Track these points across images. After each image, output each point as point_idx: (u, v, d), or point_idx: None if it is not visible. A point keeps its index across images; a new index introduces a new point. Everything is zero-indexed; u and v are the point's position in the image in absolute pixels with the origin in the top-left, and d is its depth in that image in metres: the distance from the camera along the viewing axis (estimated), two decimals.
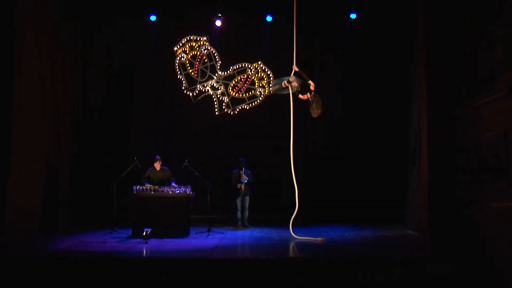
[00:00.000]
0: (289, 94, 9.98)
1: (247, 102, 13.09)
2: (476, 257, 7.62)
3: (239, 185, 11.15)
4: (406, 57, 11.76)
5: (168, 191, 10.11)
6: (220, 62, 13.11)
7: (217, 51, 13.13)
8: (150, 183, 10.42)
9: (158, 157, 10.73)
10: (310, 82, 9.77)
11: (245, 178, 11.16)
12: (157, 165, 10.66)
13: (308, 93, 9.82)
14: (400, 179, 11.85)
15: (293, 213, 9.73)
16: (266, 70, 13.03)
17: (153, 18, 12.84)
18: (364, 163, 12.58)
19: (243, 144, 12.80)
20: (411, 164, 11.18)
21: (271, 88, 10.03)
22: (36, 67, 10.58)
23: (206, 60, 13.21)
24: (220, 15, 12.73)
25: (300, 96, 9.93)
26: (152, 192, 10.09)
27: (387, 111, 12.38)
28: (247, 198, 11.28)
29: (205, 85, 13.13)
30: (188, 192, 10.16)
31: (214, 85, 13.14)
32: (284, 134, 12.61)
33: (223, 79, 13.18)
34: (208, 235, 10.21)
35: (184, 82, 13.10)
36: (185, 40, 13.15)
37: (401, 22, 11.89)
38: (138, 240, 9.52)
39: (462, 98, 9.40)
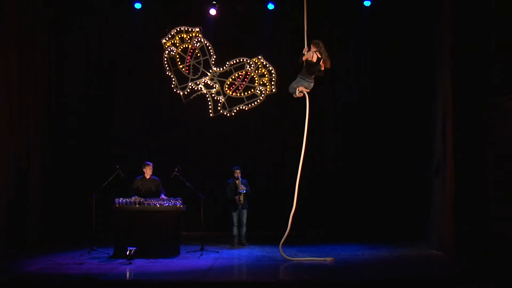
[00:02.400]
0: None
1: (246, 102, 13.06)
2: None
3: (237, 197, 11.06)
4: (429, 50, 11.65)
5: (156, 204, 10.02)
6: (215, 57, 13.09)
7: (211, 44, 13.11)
8: (137, 195, 10.33)
9: (149, 163, 10.65)
10: (305, 54, 9.29)
11: (243, 188, 11.07)
12: (148, 172, 10.59)
13: (315, 54, 9.23)
14: (422, 190, 11.76)
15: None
16: (268, 65, 13.02)
17: (138, 5, 12.77)
18: (380, 173, 12.50)
19: (241, 150, 12.74)
20: (434, 174, 11.10)
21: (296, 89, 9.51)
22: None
23: (198, 54, 13.18)
24: (214, 2, 12.66)
25: (318, 74, 9.41)
26: (137, 206, 10.00)
27: (407, 113, 12.27)
28: (245, 212, 11.18)
29: (198, 82, 13.10)
30: (178, 205, 10.07)
31: (208, 82, 13.10)
32: (288, 139, 12.59)
33: (218, 76, 13.15)
34: (201, 254, 10.11)
35: (173, 79, 13.05)
36: (175, 31, 13.14)
37: (422, 9, 11.80)
38: (120, 260, 9.41)
39: (493, 96, 9.36)
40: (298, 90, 9.44)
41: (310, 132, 11.29)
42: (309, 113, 9.54)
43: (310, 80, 9.40)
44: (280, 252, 9.55)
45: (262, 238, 11.82)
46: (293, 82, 9.51)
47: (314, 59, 9.30)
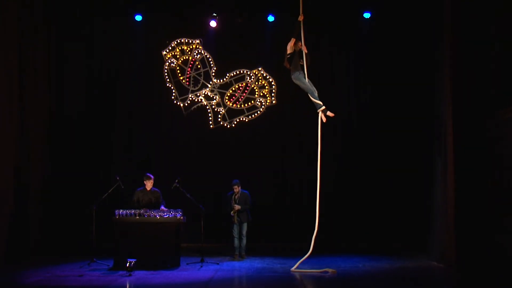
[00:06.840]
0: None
1: (246, 113, 13.06)
2: None
3: (232, 214, 11.06)
4: (428, 61, 11.65)
5: (156, 216, 9.99)
6: (215, 68, 13.11)
7: (211, 56, 13.13)
8: (137, 207, 10.30)
9: (150, 175, 10.63)
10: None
11: (236, 209, 10.99)
12: (149, 185, 10.57)
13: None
14: (423, 202, 11.72)
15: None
16: (268, 77, 13.03)
17: (138, 18, 12.81)
18: (381, 184, 12.46)
19: (241, 162, 12.71)
20: (435, 184, 11.06)
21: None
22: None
23: (199, 66, 13.20)
24: (215, 14, 12.71)
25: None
26: (137, 217, 9.97)
27: (407, 125, 12.24)
28: (245, 225, 11.12)
29: (198, 94, 13.11)
30: (178, 216, 10.05)
31: (209, 94, 13.11)
32: (288, 150, 12.57)
33: (218, 88, 13.16)
34: (201, 266, 10.08)
35: (174, 91, 13.05)
36: (175, 43, 13.16)
37: (422, 22, 11.81)
38: (120, 272, 9.38)
39: (496, 105, 9.37)
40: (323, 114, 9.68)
41: (307, 140, 11.37)
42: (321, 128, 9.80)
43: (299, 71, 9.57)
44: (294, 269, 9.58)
45: (263, 250, 11.78)
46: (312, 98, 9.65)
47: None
